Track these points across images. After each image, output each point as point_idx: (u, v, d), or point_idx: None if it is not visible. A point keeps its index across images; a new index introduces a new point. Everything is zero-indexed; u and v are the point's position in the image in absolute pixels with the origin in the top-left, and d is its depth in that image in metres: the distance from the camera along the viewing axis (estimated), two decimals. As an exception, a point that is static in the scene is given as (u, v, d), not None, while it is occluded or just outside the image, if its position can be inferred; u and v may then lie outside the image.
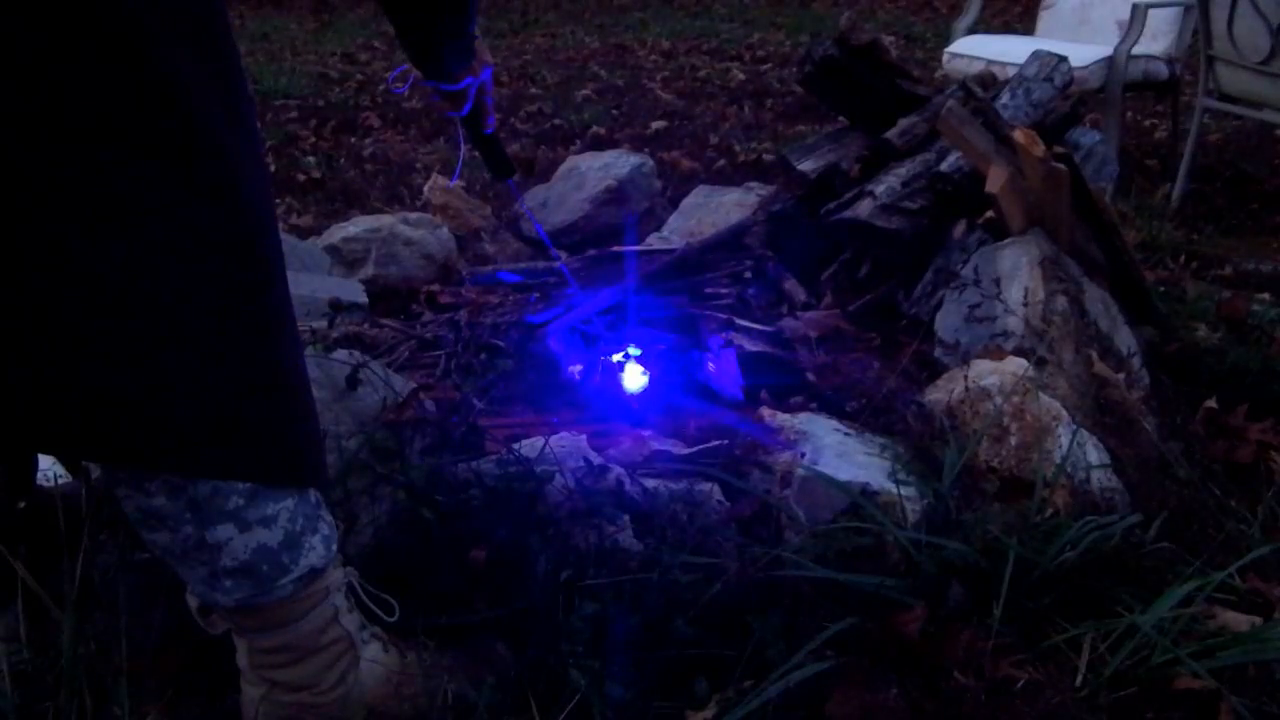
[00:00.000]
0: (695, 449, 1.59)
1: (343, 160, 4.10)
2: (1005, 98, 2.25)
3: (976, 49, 3.87)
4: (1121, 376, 1.73)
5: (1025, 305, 1.75)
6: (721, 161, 3.95)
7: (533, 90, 5.72)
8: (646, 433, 1.64)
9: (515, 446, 1.50)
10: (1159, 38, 3.71)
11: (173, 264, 0.85)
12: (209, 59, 0.86)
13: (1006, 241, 1.88)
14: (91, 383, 0.85)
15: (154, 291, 0.85)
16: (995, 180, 1.88)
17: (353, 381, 1.49)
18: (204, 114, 0.84)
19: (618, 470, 1.45)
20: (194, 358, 0.88)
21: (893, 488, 1.39)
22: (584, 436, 1.56)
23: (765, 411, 1.67)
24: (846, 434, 1.58)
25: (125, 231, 0.82)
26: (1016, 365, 1.60)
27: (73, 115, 0.78)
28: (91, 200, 0.80)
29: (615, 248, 2.51)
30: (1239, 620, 1.27)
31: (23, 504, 1.22)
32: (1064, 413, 1.55)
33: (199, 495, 0.93)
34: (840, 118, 2.63)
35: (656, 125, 4.68)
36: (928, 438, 1.55)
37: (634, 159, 3.09)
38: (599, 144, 4.19)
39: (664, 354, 1.96)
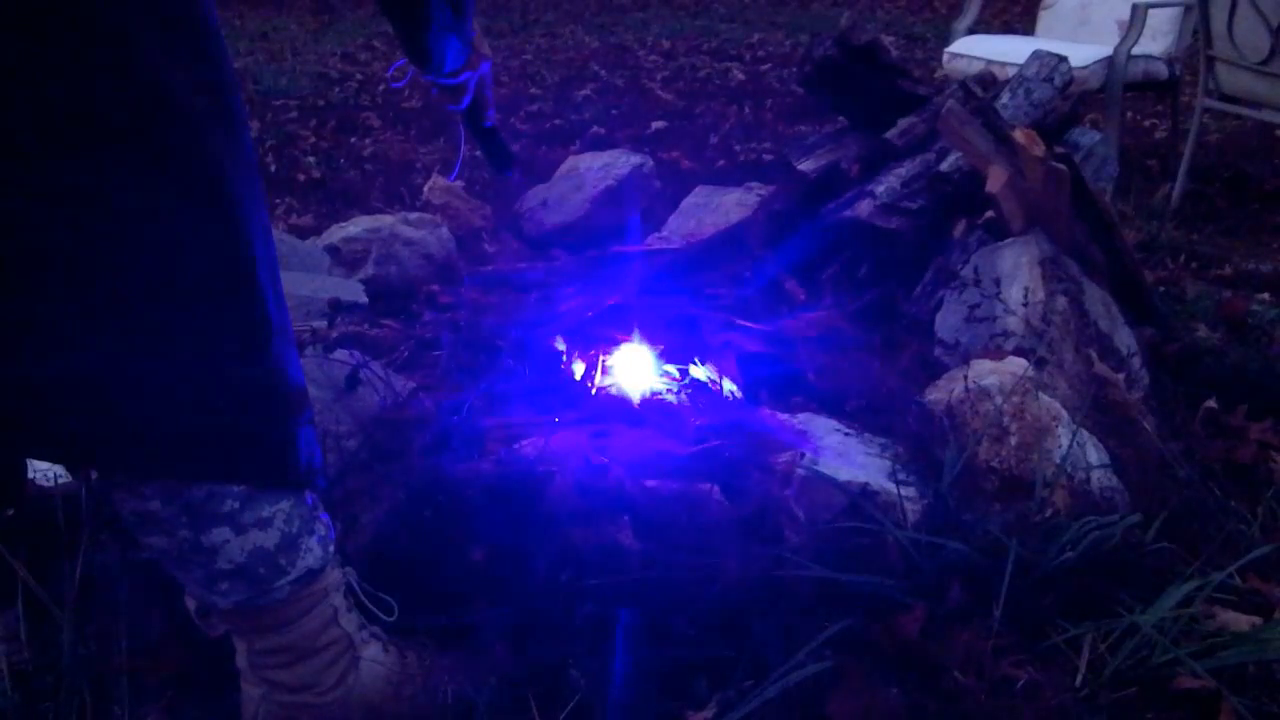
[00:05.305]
0: (695, 449, 1.59)
1: (343, 160, 4.10)
2: (1005, 98, 2.25)
3: (976, 49, 3.87)
4: (1121, 376, 1.73)
5: (1025, 305, 1.75)
6: (721, 161, 3.95)
7: (533, 90, 5.72)
8: (646, 433, 1.64)
9: (515, 446, 1.50)
10: (1159, 38, 3.71)
11: (163, 268, 0.85)
12: (199, 64, 0.86)
13: (1006, 241, 1.88)
14: (82, 388, 0.84)
15: (144, 296, 0.85)
16: (995, 180, 1.88)
17: (353, 381, 1.50)
18: (193, 117, 0.84)
19: (618, 470, 1.45)
20: (186, 361, 0.88)
21: (893, 488, 1.39)
22: (584, 436, 1.56)
23: (765, 411, 1.66)
24: (846, 434, 1.58)
25: (115, 235, 0.82)
26: (1016, 365, 1.60)
27: (60, 119, 0.78)
28: (81, 205, 0.80)
29: (615, 248, 2.50)
30: (1239, 620, 1.27)
31: (11, 511, 1.21)
32: (1064, 413, 1.55)
33: (194, 499, 0.93)
34: (840, 118, 2.63)
35: (656, 125, 4.68)
36: (928, 438, 1.55)
37: (634, 159, 3.08)
38: (599, 144, 4.19)
39: (664, 354, 1.96)
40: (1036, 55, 2.32)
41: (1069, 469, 1.47)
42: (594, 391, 1.86)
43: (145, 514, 0.94)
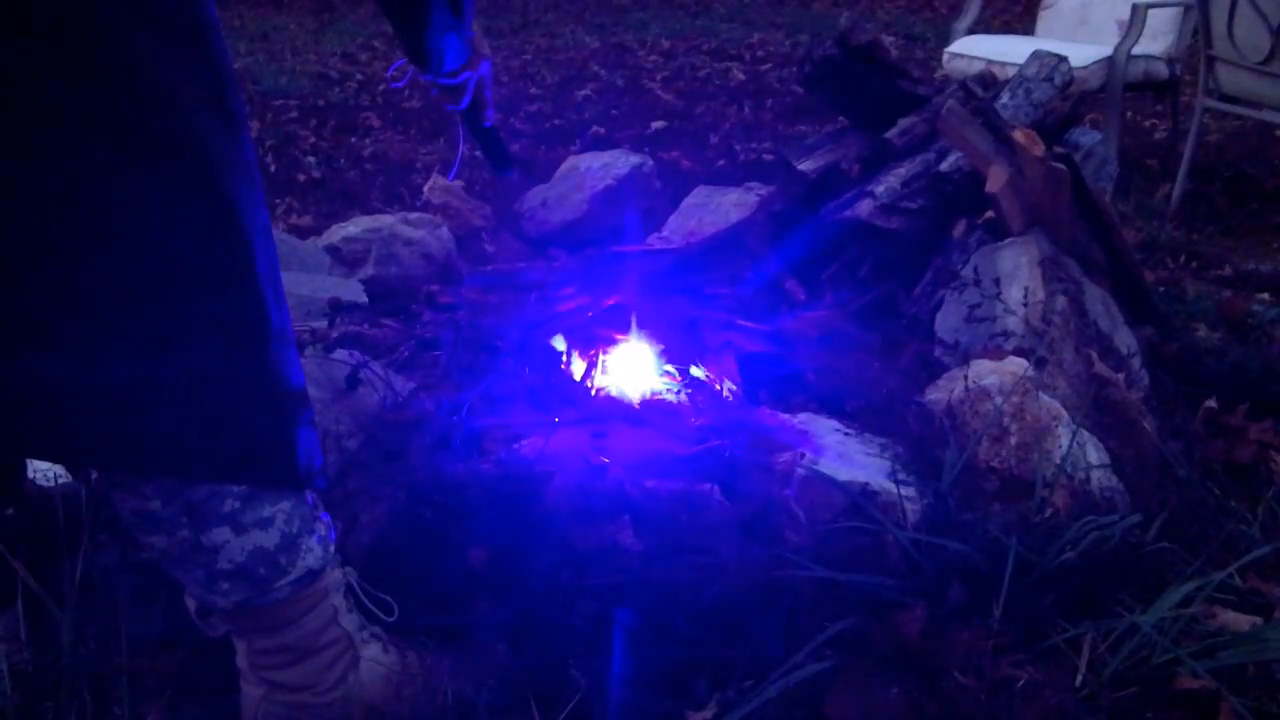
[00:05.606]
0: (695, 449, 1.59)
1: (343, 160, 4.10)
2: (1005, 98, 2.25)
3: (976, 49, 3.87)
4: (1121, 376, 1.73)
5: (1025, 305, 1.75)
6: (721, 161, 3.95)
7: (533, 90, 5.72)
8: (646, 433, 1.64)
9: (515, 446, 1.50)
10: (1159, 38, 3.71)
11: (161, 268, 0.85)
12: (199, 63, 0.86)
13: (1006, 241, 1.88)
14: (82, 388, 0.84)
15: (142, 296, 0.85)
16: (995, 180, 1.88)
17: (353, 381, 1.50)
18: (192, 117, 0.84)
19: (618, 470, 1.45)
20: (185, 362, 0.88)
21: (893, 488, 1.39)
22: (584, 436, 1.56)
23: (765, 411, 1.66)
24: (846, 434, 1.58)
25: (113, 235, 0.82)
26: (1016, 365, 1.60)
27: (59, 119, 0.78)
28: (80, 204, 0.80)
29: (615, 248, 2.50)
30: (1239, 620, 1.27)
31: (11, 511, 1.21)
32: (1064, 413, 1.55)
33: (194, 499, 0.93)
34: (840, 118, 2.63)
35: (656, 125, 4.68)
36: (928, 438, 1.55)
37: (634, 159, 3.08)
38: (599, 144, 4.19)
39: (664, 354, 1.96)
40: (1036, 55, 2.32)
41: (1069, 469, 1.47)
42: (594, 391, 1.86)
43: (145, 514, 0.94)
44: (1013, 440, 1.51)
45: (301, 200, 3.52)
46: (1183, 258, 2.80)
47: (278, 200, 3.44)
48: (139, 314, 0.85)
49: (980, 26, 4.39)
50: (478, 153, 1.63)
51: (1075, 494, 1.46)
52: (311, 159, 4.08)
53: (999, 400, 1.53)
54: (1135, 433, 1.64)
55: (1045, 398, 1.57)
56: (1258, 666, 1.19)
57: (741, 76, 6.10)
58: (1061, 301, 1.78)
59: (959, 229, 2.10)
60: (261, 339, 0.93)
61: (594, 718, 1.12)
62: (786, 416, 1.63)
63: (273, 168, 3.90)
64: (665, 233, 2.73)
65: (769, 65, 6.49)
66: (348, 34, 8.01)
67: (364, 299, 2.32)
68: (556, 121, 4.81)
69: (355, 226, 2.64)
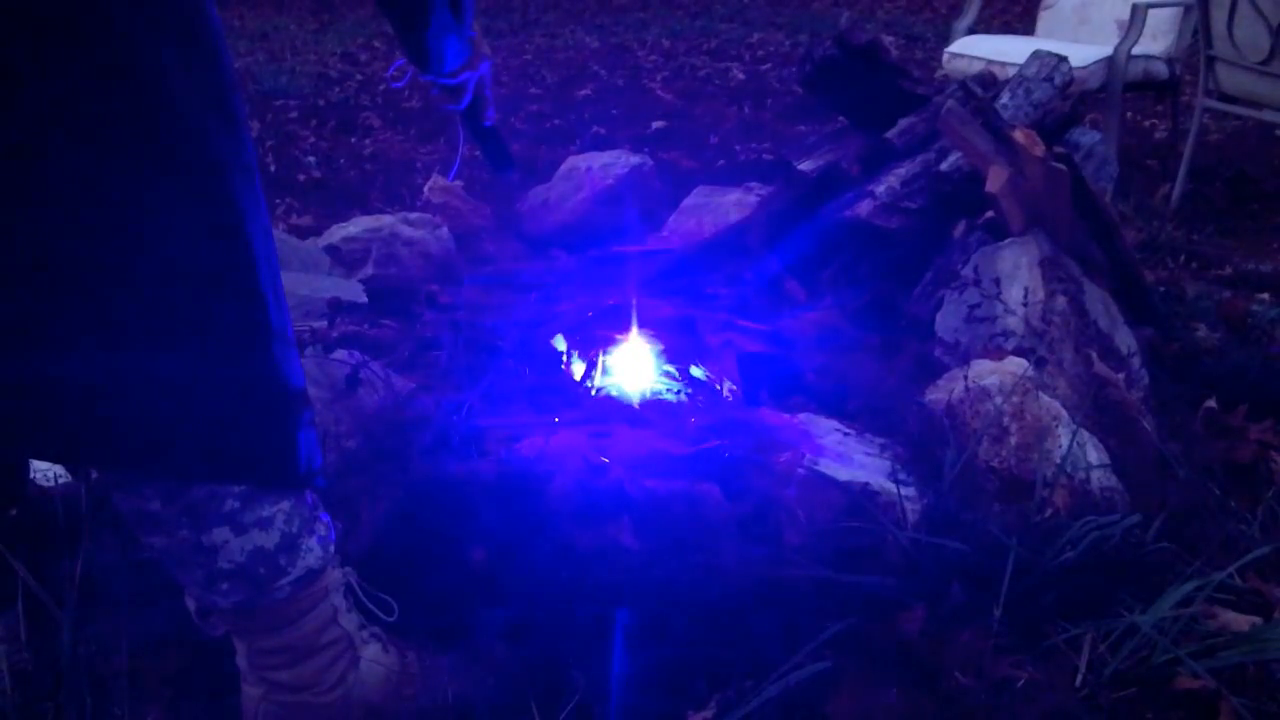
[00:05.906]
0: (695, 449, 1.59)
1: (343, 160, 4.10)
2: (1005, 98, 2.25)
3: (976, 49, 3.87)
4: (1121, 376, 1.73)
5: (1025, 305, 1.75)
6: (721, 161, 3.95)
7: (533, 90, 5.72)
8: (646, 433, 1.64)
9: (515, 446, 1.50)
10: (1159, 38, 3.71)
11: (162, 269, 0.85)
12: (199, 64, 0.86)
13: (1006, 241, 1.88)
14: (83, 388, 0.84)
15: (143, 296, 0.85)
16: (995, 180, 1.88)
17: (353, 381, 1.50)
18: (193, 117, 0.84)
19: (618, 470, 1.45)
20: (185, 362, 0.88)
21: (893, 488, 1.39)
22: (584, 436, 1.56)
23: (765, 411, 1.66)
24: (846, 434, 1.58)
25: (114, 236, 0.82)
26: (1016, 365, 1.60)
27: (59, 120, 0.78)
28: (80, 205, 0.80)
29: (615, 248, 2.50)
30: (1239, 620, 1.27)
31: (14, 511, 1.21)
32: (1064, 413, 1.55)
33: (195, 499, 0.93)
34: (840, 118, 2.63)
35: (656, 125, 4.68)
36: (928, 438, 1.55)
37: (634, 159, 3.08)
38: (599, 144, 4.19)
39: (664, 353, 1.96)
40: (1036, 55, 2.32)
41: (1069, 469, 1.47)
42: (594, 391, 1.86)
43: (145, 514, 0.94)
44: (1013, 440, 1.51)
45: (301, 200, 3.52)
46: (1183, 258, 2.80)
47: (278, 200, 3.44)
48: (139, 314, 0.85)
49: (980, 26, 4.39)
50: (478, 153, 1.63)
51: (1075, 494, 1.46)
52: (311, 159, 4.08)
53: (999, 400, 1.53)
54: (1135, 433, 1.64)
55: (1045, 398, 1.57)
56: (1258, 666, 1.19)
57: (741, 76, 6.10)
58: (1061, 301, 1.78)
59: (959, 229, 2.10)
60: (262, 340, 0.93)
61: (594, 718, 1.12)
62: (786, 416, 1.63)
63: (273, 168, 3.90)
64: (665, 233, 2.73)
65: (769, 65, 6.49)
66: (348, 34, 8.01)
67: (364, 299, 2.32)
68: (556, 121, 4.81)
69: (355, 226, 2.64)
